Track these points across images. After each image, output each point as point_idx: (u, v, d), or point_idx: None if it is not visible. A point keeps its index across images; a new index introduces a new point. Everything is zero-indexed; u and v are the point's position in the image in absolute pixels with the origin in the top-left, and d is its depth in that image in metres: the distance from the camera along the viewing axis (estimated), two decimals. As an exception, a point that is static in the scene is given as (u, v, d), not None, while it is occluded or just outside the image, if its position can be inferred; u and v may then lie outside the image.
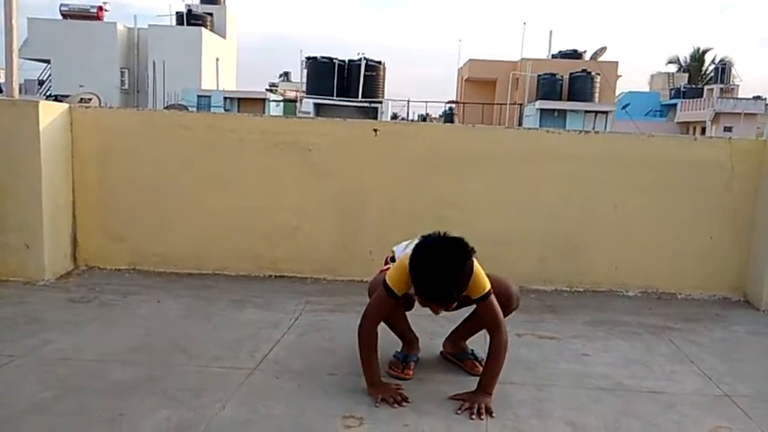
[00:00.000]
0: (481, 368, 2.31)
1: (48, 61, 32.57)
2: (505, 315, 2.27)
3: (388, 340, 2.42)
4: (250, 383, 2.24)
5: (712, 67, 45.86)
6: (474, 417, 2.04)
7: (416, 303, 2.27)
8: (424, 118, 31.54)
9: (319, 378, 2.31)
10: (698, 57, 47.78)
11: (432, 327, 2.71)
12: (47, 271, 3.37)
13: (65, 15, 33.76)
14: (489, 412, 2.07)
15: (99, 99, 18.35)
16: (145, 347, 2.53)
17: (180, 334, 2.68)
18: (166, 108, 22.42)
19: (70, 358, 2.40)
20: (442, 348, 2.56)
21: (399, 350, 2.46)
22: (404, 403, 2.11)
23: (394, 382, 2.25)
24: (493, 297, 2.20)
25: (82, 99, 16.71)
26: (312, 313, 3.02)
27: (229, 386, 2.20)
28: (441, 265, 2.02)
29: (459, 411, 2.08)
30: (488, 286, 2.19)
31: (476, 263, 2.14)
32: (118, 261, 3.65)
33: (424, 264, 2.06)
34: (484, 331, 2.40)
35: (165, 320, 2.86)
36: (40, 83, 33.34)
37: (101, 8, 34.21)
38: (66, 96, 19.69)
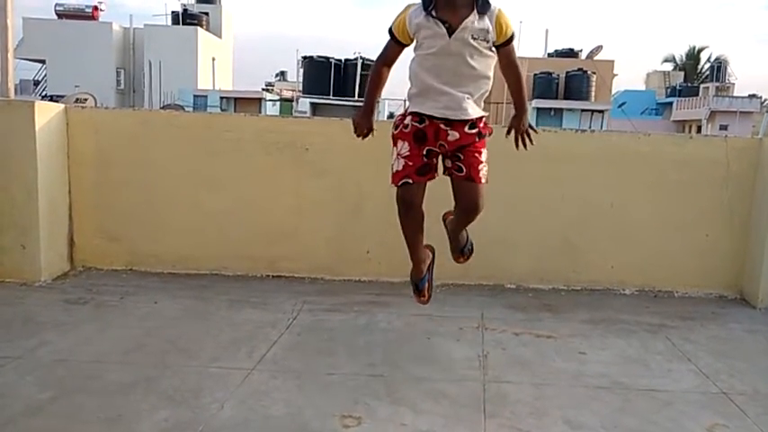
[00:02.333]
0: (463, 258, 2.58)
1: (43, 61, 32.47)
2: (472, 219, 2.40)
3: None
4: (248, 383, 2.24)
5: (708, 65, 46.00)
6: (524, 138, 2.39)
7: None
8: (420, 117, 31.46)
9: (317, 378, 2.31)
10: (693, 55, 47.91)
11: (430, 327, 2.72)
12: (43, 272, 3.36)
13: (60, 15, 33.66)
14: (533, 129, 2.42)
15: (95, 99, 18.31)
16: (142, 348, 2.53)
17: (177, 334, 2.68)
18: (163, 108, 22.39)
19: (67, 359, 2.39)
20: (443, 217, 2.62)
21: (410, 275, 2.46)
22: (362, 137, 2.42)
23: (371, 123, 2.42)
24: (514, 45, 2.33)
25: (77, 99, 16.67)
26: (310, 313, 3.02)
27: (228, 386, 2.20)
28: None
29: (507, 135, 2.40)
30: (513, 29, 2.31)
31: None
32: (114, 262, 3.65)
33: None
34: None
35: (162, 321, 2.85)
36: (36, 83, 33.23)
37: (96, 8, 34.13)
38: (62, 97, 19.64)
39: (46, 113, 3.36)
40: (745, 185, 3.52)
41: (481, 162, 2.33)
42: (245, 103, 29.10)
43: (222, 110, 27.17)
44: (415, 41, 2.25)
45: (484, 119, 2.33)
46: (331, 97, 25.91)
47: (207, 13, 35.51)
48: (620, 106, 29.46)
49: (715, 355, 2.68)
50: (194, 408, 2.04)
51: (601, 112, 28.56)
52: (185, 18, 34.07)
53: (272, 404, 2.09)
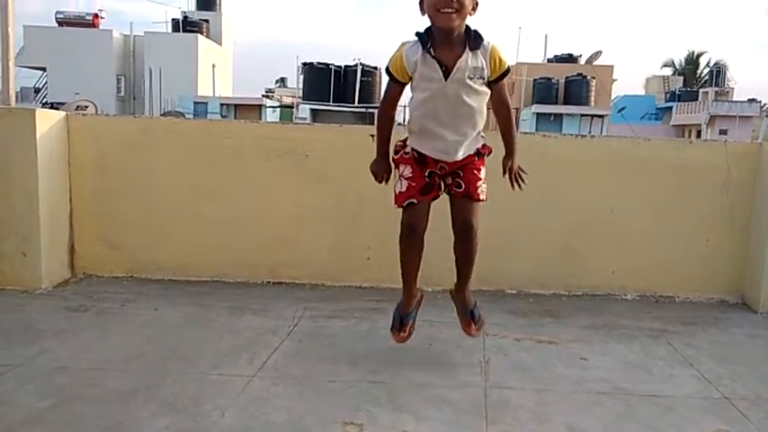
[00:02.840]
0: (475, 328, 2.52)
1: (44, 69, 32.59)
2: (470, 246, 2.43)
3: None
4: (249, 390, 2.23)
5: (707, 70, 46.11)
6: (519, 184, 2.44)
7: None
8: (420, 123, 31.53)
9: (319, 384, 2.30)
10: (692, 60, 48.03)
11: (431, 332, 2.72)
12: (44, 279, 3.36)
13: (60, 23, 33.81)
14: (523, 171, 2.47)
15: (95, 107, 18.35)
16: (143, 355, 2.52)
17: (178, 341, 2.68)
18: (163, 115, 22.44)
19: (68, 367, 2.39)
20: (449, 289, 2.64)
21: (397, 308, 2.50)
22: (384, 182, 2.48)
23: (389, 166, 2.47)
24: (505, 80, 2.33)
25: (78, 107, 16.70)
26: (311, 319, 3.02)
27: (228, 393, 2.19)
28: None
29: (504, 176, 2.44)
30: (508, 64, 2.31)
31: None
32: (115, 269, 3.64)
33: None
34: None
35: (162, 328, 2.85)
36: (36, 90, 33.33)
37: (96, 15, 34.28)
38: (62, 104, 19.67)
39: (47, 121, 3.37)
40: (745, 190, 3.52)
41: (480, 179, 2.39)
42: (245, 110, 29.20)
43: (222, 116, 27.27)
44: (412, 79, 2.27)
45: (482, 141, 2.41)
46: (331, 104, 26.00)
47: (207, 21, 35.66)
48: (619, 111, 29.53)
49: (717, 360, 2.68)
50: (195, 415, 2.04)
51: (600, 116, 28.64)
52: (185, 25, 34.21)
53: (274, 411, 2.08)
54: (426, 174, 2.37)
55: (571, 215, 3.58)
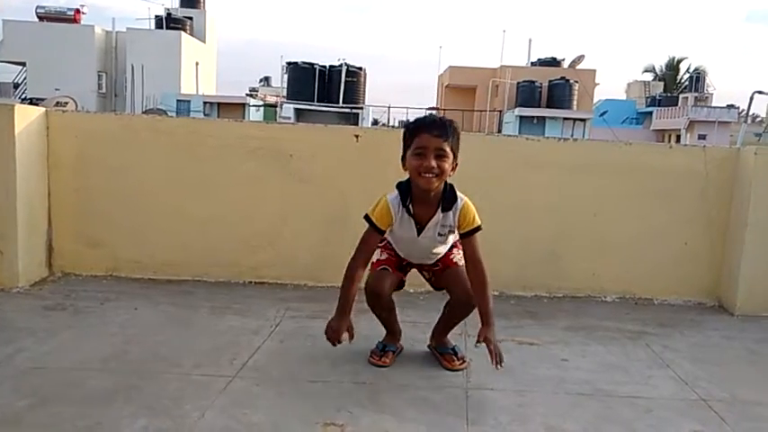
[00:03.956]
0: (458, 363, 2.48)
1: (23, 64, 32.06)
2: (467, 313, 2.47)
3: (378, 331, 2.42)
4: (230, 391, 2.22)
5: (687, 76, 46.81)
6: (497, 366, 2.23)
7: (406, 277, 2.58)
8: (405, 124, 31.63)
9: (300, 385, 2.29)
10: (673, 66, 48.76)
11: (413, 334, 2.72)
12: (21, 278, 3.31)
13: (41, 17, 33.28)
14: (500, 358, 2.26)
15: (75, 103, 18.10)
16: (122, 355, 2.50)
17: (158, 341, 2.65)
18: (145, 113, 22.21)
19: (45, 367, 2.35)
20: (428, 342, 2.64)
21: (381, 340, 2.57)
22: (336, 343, 2.32)
23: (350, 325, 2.37)
24: (478, 236, 2.35)
25: (58, 103, 16.46)
26: (293, 320, 3.01)
27: (209, 394, 2.18)
28: (433, 114, 2.26)
29: (476, 345, 2.28)
30: (480, 222, 2.35)
31: (468, 200, 2.37)
32: (95, 267, 3.60)
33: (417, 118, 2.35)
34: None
35: (143, 328, 2.82)
36: (16, 86, 32.77)
37: (78, 11, 33.81)
38: (42, 100, 19.38)
39: (26, 117, 3.31)
40: (723, 194, 3.58)
41: (452, 257, 2.52)
42: (228, 109, 28.99)
43: (205, 115, 27.05)
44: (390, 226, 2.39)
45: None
46: (315, 103, 25.93)
47: (191, 18, 35.35)
48: (601, 115, 29.86)
49: (694, 361, 2.72)
50: (175, 416, 2.02)
51: (583, 120, 28.94)
52: (169, 22, 33.88)
53: (254, 412, 2.07)
54: (404, 263, 2.56)
55: (553, 218, 3.61)
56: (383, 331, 2.59)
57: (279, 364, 2.47)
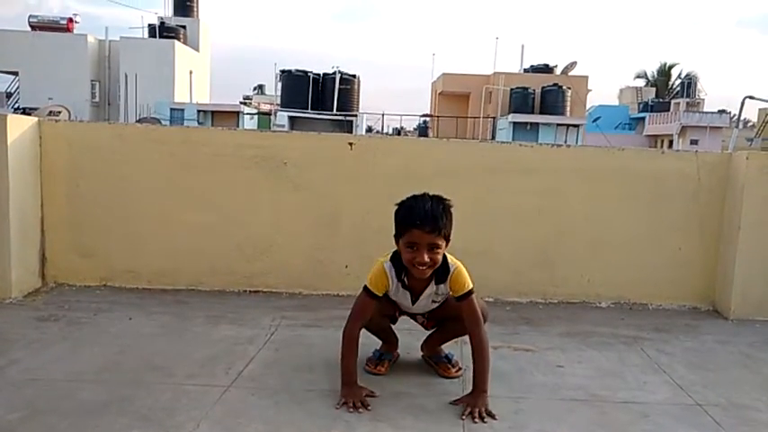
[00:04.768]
0: (454, 371, 2.48)
1: (16, 73, 31.95)
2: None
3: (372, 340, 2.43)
4: (225, 401, 2.20)
5: (678, 81, 47.12)
6: (477, 420, 2.10)
7: (399, 313, 2.52)
8: (398, 131, 31.72)
9: (296, 394, 2.28)
10: (665, 71, 49.08)
11: (409, 341, 2.71)
12: (14, 288, 3.29)
13: (34, 27, 33.19)
14: (490, 415, 2.14)
15: (69, 112, 18.07)
16: (116, 366, 2.48)
17: (152, 351, 2.63)
18: (138, 121, 22.18)
19: (38, 378, 2.33)
20: (420, 351, 2.63)
21: (378, 348, 2.57)
22: (361, 410, 2.14)
23: (367, 389, 2.27)
24: (474, 296, 2.30)
25: (51, 112, 16.43)
26: (288, 328, 3.00)
27: (204, 404, 2.16)
28: (425, 196, 2.26)
29: (463, 417, 2.13)
30: (471, 285, 2.31)
31: (460, 264, 2.32)
32: (88, 277, 3.58)
33: (409, 198, 2.27)
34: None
35: (136, 338, 2.80)
36: (8, 95, 32.65)
37: (71, 20, 33.72)
38: (35, 109, 19.34)
39: (18, 127, 3.30)
40: (715, 199, 3.60)
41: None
42: (222, 117, 28.95)
43: (199, 123, 27.02)
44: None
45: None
46: (309, 111, 25.96)
47: (184, 27, 35.32)
48: (594, 121, 30.04)
49: (689, 366, 2.72)
50: (169, 427, 2.01)
51: (576, 126, 29.07)
52: (162, 31, 33.83)
53: (250, 422, 2.06)
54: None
55: (547, 224, 3.62)
56: (378, 339, 2.59)
57: (274, 374, 2.46)
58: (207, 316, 3.13)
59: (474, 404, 2.16)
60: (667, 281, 3.66)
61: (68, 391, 2.23)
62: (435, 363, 2.54)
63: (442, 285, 2.35)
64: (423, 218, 2.18)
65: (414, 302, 2.41)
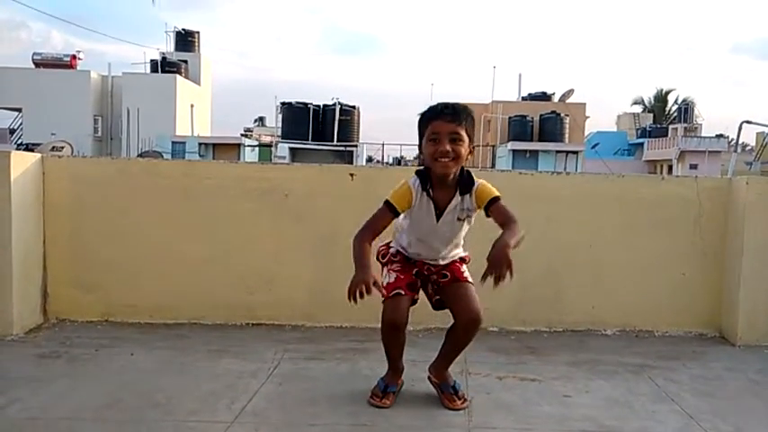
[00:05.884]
0: (459, 402, 2.45)
1: (19, 110, 32.36)
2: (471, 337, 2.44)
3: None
4: (228, 438, 2.17)
5: (675, 107, 47.55)
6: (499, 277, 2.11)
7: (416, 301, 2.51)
8: (399, 160, 31.90)
9: (299, 429, 2.25)
10: (661, 97, 49.59)
11: (414, 372, 2.68)
12: (15, 325, 3.27)
13: (38, 64, 33.71)
14: (510, 268, 2.11)
15: (71, 147, 18.22)
16: (117, 403, 2.45)
17: (154, 388, 2.60)
18: (140, 155, 22.33)
19: (38, 417, 2.30)
20: (428, 373, 2.59)
21: (382, 378, 2.52)
22: (360, 297, 2.21)
23: (375, 276, 2.28)
24: (502, 201, 2.32)
25: (54, 147, 16.58)
26: (291, 361, 2.97)
27: (206, 441, 2.13)
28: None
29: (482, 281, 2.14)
30: (497, 193, 2.34)
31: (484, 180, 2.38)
32: (89, 313, 3.56)
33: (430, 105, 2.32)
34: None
35: (138, 374, 2.78)
36: (12, 131, 32.99)
37: (74, 56, 34.27)
38: (38, 145, 19.52)
39: (22, 163, 3.33)
40: (717, 224, 3.60)
41: (463, 268, 2.51)
42: (223, 149, 29.20)
43: (201, 156, 27.24)
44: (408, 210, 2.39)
45: (465, 254, 2.56)
46: (310, 142, 26.16)
47: (186, 61, 35.89)
48: (593, 147, 30.22)
49: (698, 394, 2.68)
50: (172, 465, 1.97)
51: (575, 153, 29.24)
52: (164, 66, 34.36)
53: (253, 459, 2.03)
54: (414, 272, 2.50)
55: (550, 252, 3.61)
56: (383, 371, 2.56)
57: (278, 408, 2.43)
58: (209, 350, 3.10)
59: (498, 261, 2.12)
60: (672, 307, 3.64)
61: (70, 430, 2.20)
62: (442, 391, 2.50)
63: (467, 196, 2.35)
64: (443, 108, 2.28)
65: (438, 218, 2.36)
